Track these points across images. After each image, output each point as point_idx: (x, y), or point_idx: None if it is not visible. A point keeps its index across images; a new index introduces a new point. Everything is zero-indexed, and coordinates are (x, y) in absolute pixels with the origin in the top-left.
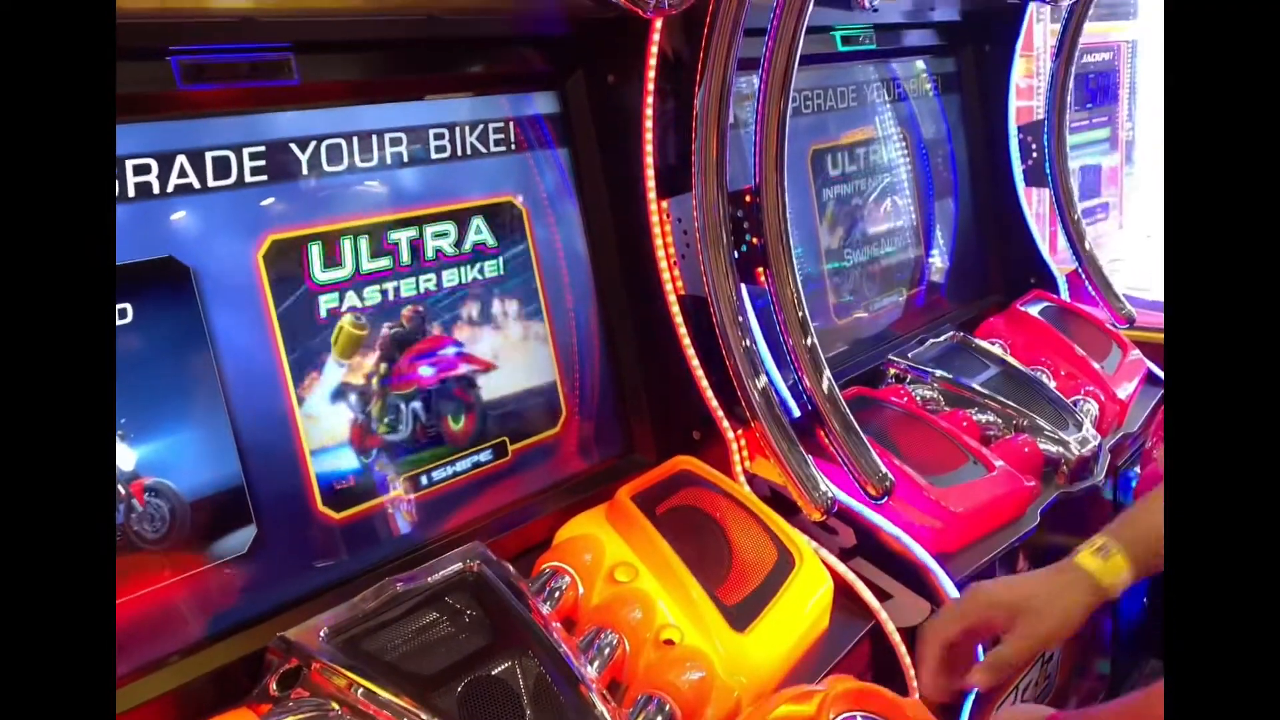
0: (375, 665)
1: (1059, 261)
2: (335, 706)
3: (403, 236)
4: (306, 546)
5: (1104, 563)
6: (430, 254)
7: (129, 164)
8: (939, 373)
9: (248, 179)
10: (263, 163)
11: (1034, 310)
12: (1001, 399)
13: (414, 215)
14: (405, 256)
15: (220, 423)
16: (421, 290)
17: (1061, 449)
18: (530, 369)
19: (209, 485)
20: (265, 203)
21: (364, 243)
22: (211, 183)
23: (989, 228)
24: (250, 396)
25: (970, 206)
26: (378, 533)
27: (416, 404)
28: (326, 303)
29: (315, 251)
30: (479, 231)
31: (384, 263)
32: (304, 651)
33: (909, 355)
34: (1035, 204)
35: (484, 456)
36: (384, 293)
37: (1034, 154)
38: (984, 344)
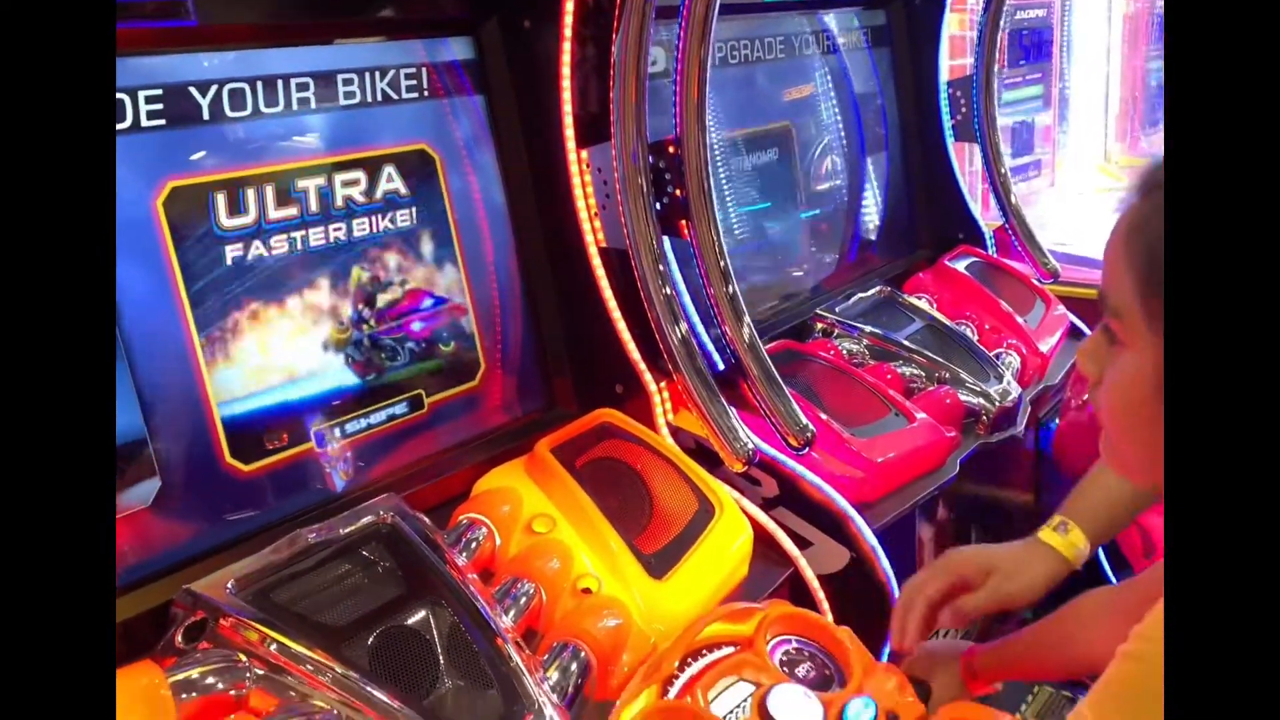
0: (284, 617)
1: (989, 218)
2: (243, 658)
3: (310, 184)
4: (214, 499)
5: (1064, 538)
6: (339, 203)
7: None
8: (865, 327)
9: (144, 123)
10: (160, 106)
11: (960, 266)
12: (925, 352)
13: (322, 163)
14: (313, 205)
15: (119, 374)
16: (331, 240)
17: (983, 400)
18: (444, 322)
19: None
20: (163, 148)
21: (269, 190)
22: None
23: (919, 184)
24: (150, 347)
25: (901, 162)
26: (290, 486)
27: (332, 355)
28: (231, 252)
29: (219, 199)
30: (391, 180)
31: (291, 211)
32: (210, 604)
33: (836, 310)
34: (968, 160)
35: (399, 409)
36: (291, 241)
37: (963, 109)
38: (911, 299)
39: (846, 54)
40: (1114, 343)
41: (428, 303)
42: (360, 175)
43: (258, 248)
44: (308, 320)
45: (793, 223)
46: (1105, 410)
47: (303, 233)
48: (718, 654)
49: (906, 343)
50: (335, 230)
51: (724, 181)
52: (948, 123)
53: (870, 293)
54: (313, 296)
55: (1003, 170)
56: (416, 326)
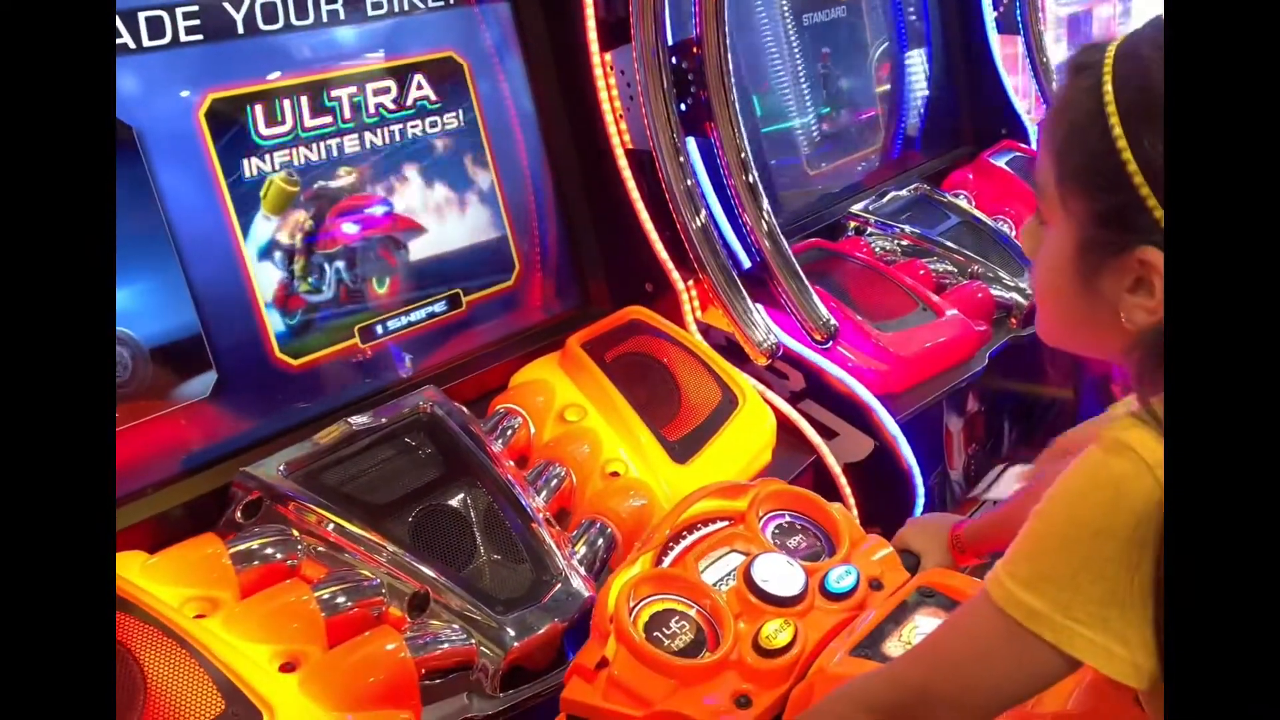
0: (332, 496)
1: (1037, 114)
2: (295, 533)
3: (343, 94)
4: (266, 391)
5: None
6: (371, 111)
7: None
8: (898, 225)
9: (183, 38)
10: (197, 22)
11: (1001, 161)
12: (958, 248)
13: (353, 72)
14: (346, 114)
15: (173, 275)
16: (368, 146)
17: (1015, 295)
18: (479, 224)
19: (167, 334)
20: (203, 62)
21: (304, 100)
22: (147, 42)
23: (961, 78)
24: (201, 250)
25: (942, 57)
26: (336, 379)
27: (372, 252)
28: (275, 159)
29: (257, 110)
30: (420, 87)
31: (326, 120)
32: (266, 484)
33: (870, 208)
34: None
35: (438, 307)
36: (328, 149)
37: (1004, 1)
38: (947, 195)
39: None
40: (1042, 222)
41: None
42: (390, 83)
43: (295, 155)
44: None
45: (838, 120)
46: (1034, 283)
47: (338, 140)
48: (711, 528)
49: (940, 239)
50: (370, 138)
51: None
52: (990, 14)
53: (905, 191)
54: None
55: (1044, 60)
56: (425, 224)
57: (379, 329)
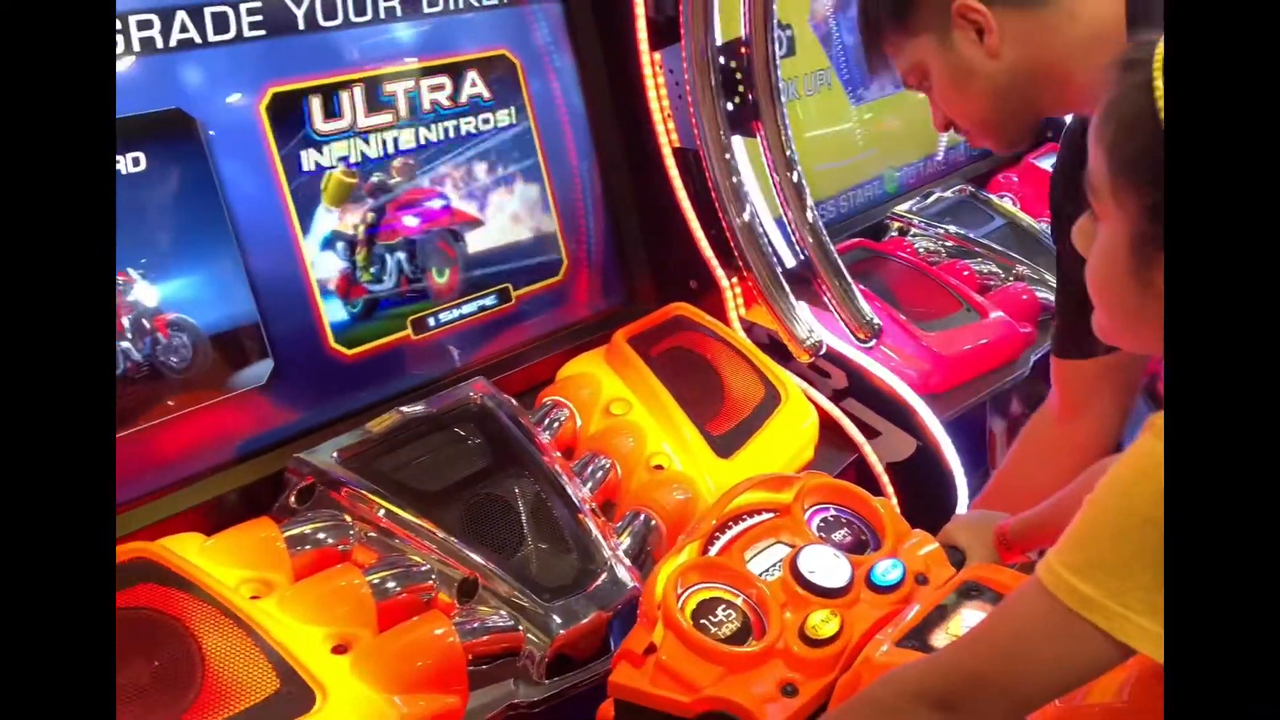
0: (384, 482)
1: None
2: (348, 519)
3: (399, 89)
4: (321, 380)
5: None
6: (427, 106)
7: (132, 19)
8: (941, 225)
9: (246, 33)
10: (260, 18)
11: (1046, 164)
12: (1003, 249)
13: (409, 69)
14: (403, 109)
15: (233, 264)
16: (422, 141)
17: None
18: (529, 220)
19: (227, 321)
20: (265, 56)
21: (360, 95)
22: (212, 37)
23: None
24: (260, 240)
25: None
26: (389, 370)
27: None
28: (332, 153)
29: (315, 103)
30: (474, 84)
31: (382, 115)
32: (319, 470)
33: (914, 209)
34: None
35: (488, 301)
36: (383, 144)
37: None
38: (992, 197)
39: None
40: (1095, 219)
41: (488, 197)
42: (445, 80)
43: (352, 148)
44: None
45: (885, 123)
46: (1089, 282)
47: (394, 134)
48: (757, 519)
49: (984, 240)
50: (425, 133)
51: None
52: None
53: (950, 192)
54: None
55: None
56: (478, 219)
57: (431, 321)
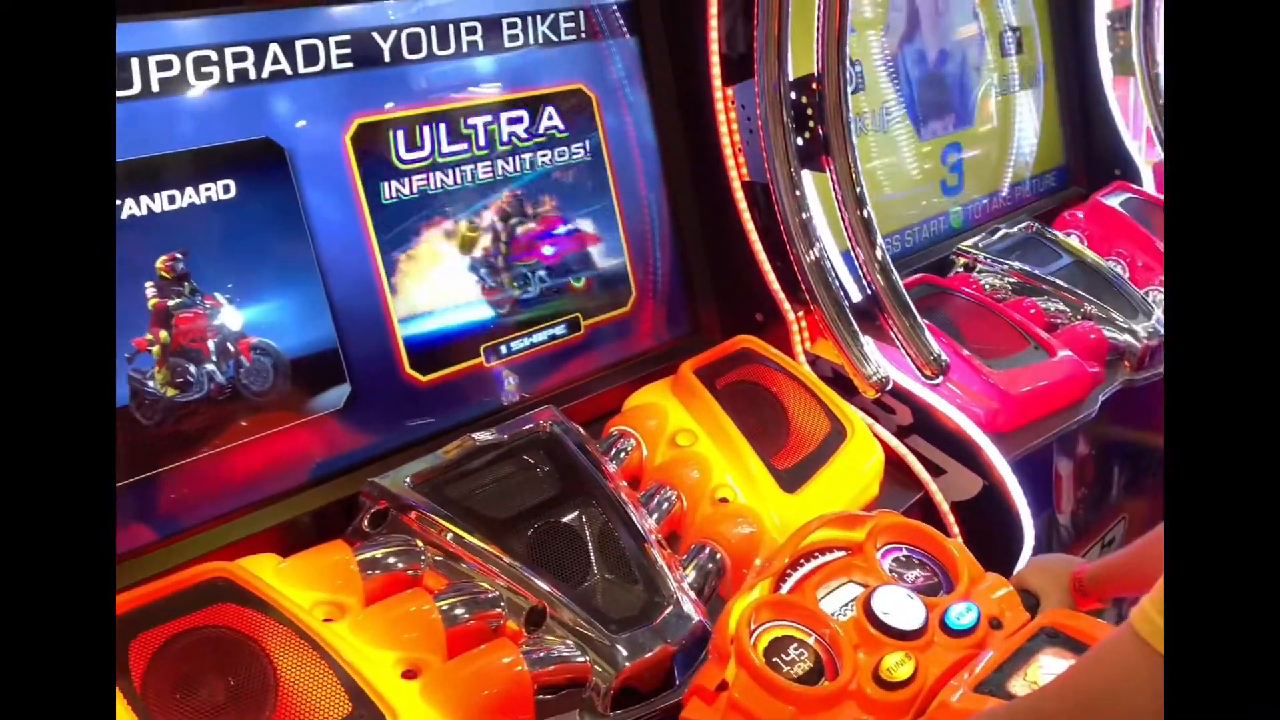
0: (455, 509)
1: (1151, 155)
2: (419, 543)
3: (479, 122)
4: (396, 405)
5: None
6: (504, 139)
7: (228, 51)
8: (1008, 262)
9: (334, 66)
10: (348, 50)
11: (1114, 201)
12: (1070, 287)
13: (489, 102)
14: (481, 141)
15: (315, 290)
16: (499, 174)
17: (1129, 337)
18: (600, 251)
19: (307, 346)
20: (351, 88)
21: (443, 127)
22: (302, 69)
23: (1074, 118)
24: (341, 267)
25: (1055, 96)
26: (461, 396)
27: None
28: (413, 183)
29: (399, 135)
30: (550, 117)
31: (461, 147)
32: (393, 495)
33: (980, 245)
34: (1133, 94)
35: (559, 330)
36: (461, 175)
37: (1121, 42)
38: (1058, 234)
39: None
40: None
41: (561, 229)
42: (523, 113)
43: (432, 180)
44: (475, 248)
45: (951, 158)
46: None
47: (471, 168)
48: (829, 557)
49: (1050, 277)
50: (503, 166)
51: (891, 115)
52: (1105, 55)
53: (1016, 229)
54: (481, 224)
55: (1159, 102)
56: (548, 251)
57: (503, 349)
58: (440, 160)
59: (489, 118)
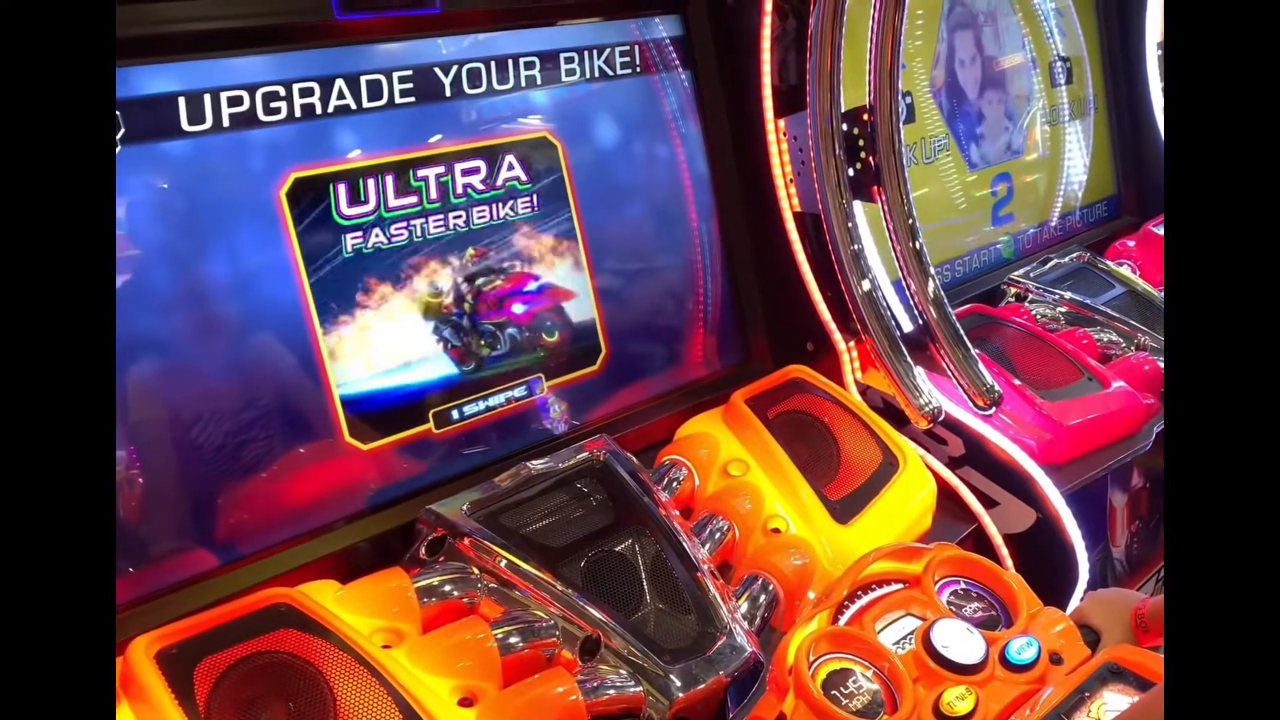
0: (511, 537)
1: None
2: (475, 571)
3: (533, 154)
4: (449, 435)
5: None
6: (458, 191)
7: (295, 87)
8: (1059, 292)
9: (397, 100)
10: (411, 85)
11: None
12: (1123, 318)
13: (538, 136)
14: (524, 176)
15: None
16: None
17: None
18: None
19: None
20: (412, 122)
21: (503, 160)
22: (366, 104)
23: (1125, 147)
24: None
25: (1107, 125)
26: (516, 425)
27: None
28: (467, 211)
29: (457, 168)
30: (511, 167)
31: (411, 198)
32: (449, 523)
33: (1031, 275)
34: None
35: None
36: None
37: None
38: (1110, 264)
39: (1053, 16)
40: None
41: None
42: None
43: (470, 215)
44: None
45: (1000, 189)
46: None
47: (510, 203)
48: (887, 589)
49: (1103, 308)
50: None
51: (939, 145)
52: (1157, 85)
53: (1067, 259)
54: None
55: None
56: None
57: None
58: (476, 196)
59: (441, 168)
